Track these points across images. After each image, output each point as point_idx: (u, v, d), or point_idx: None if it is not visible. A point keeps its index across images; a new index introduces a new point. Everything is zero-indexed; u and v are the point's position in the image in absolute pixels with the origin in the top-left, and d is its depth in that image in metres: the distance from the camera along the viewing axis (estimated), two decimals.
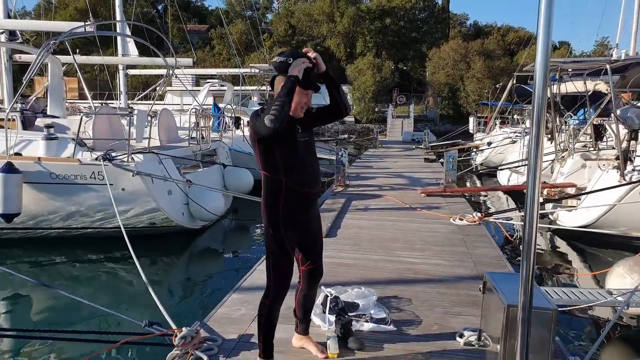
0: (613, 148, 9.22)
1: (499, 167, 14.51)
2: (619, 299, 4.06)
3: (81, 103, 17.91)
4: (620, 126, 8.21)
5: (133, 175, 7.63)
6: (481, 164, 18.16)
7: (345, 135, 28.30)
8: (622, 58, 9.05)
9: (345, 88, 43.67)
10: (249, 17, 42.69)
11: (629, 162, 8.09)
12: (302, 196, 2.99)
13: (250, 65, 19.13)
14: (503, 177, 13.70)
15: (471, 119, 25.76)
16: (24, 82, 8.71)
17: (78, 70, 10.67)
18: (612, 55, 11.80)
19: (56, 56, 10.45)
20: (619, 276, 4.99)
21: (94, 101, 11.75)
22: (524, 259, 2.57)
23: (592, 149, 10.39)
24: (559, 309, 4.24)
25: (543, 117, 2.52)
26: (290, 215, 2.98)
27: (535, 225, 2.56)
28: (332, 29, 47.33)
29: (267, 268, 3.06)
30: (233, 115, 14.78)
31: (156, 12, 47.28)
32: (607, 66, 8.55)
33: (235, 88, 17.80)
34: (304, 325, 3.44)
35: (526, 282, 2.59)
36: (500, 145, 17.00)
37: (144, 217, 8.09)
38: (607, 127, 10.11)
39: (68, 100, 15.65)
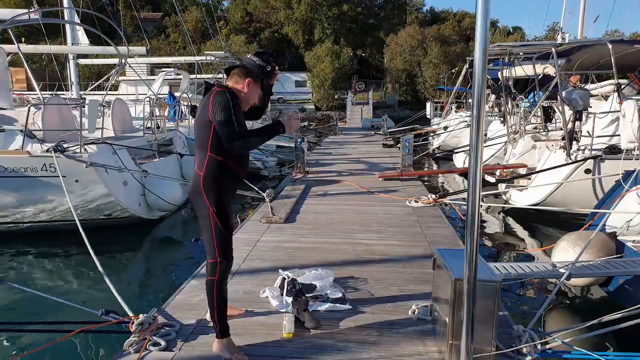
0: (561, 129, 9.61)
1: (455, 151, 14.85)
2: (561, 270, 4.28)
3: (30, 94, 17.28)
4: (566, 107, 8.55)
5: (86, 167, 7.45)
6: (438, 148, 18.54)
7: (305, 123, 28.32)
8: (567, 42, 9.40)
9: (304, 75, 43.41)
10: (205, 4, 41.87)
11: (574, 142, 8.45)
12: (239, 178, 3.25)
13: (206, 52, 18.82)
14: (459, 160, 14.04)
15: (428, 104, 26.17)
16: None
17: (24, 60, 10.28)
18: (557, 39, 12.22)
19: (0, 45, 10.05)
20: (564, 250, 5.25)
21: (42, 92, 11.38)
22: (468, 234, 2.71)
23: (542, 130, 10.78)
24: (508, 281, 4.46)
25: (484, 96, 2.64)
26: (229, 195, 3.21)
27: (477, 203, 2.70)
28: (289, 16, 46.96)
29: (211, 247, 3.14)
30: (189, 104, 14.57)
31: None
32: (553, 50, 8.88)
33: (191, 76, 17.52)
34: None
35: (470, 256, 2.73)
36: (456, 129, 17.37)
37: (100, 208, 7.93)
38: (555, 108, 10.51)
39: (15, 92, 15.08)
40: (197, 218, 3.19)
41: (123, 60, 11.21)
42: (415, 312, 3.77)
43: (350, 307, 3.92)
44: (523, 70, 11.65)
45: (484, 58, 2.54)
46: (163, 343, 3.30)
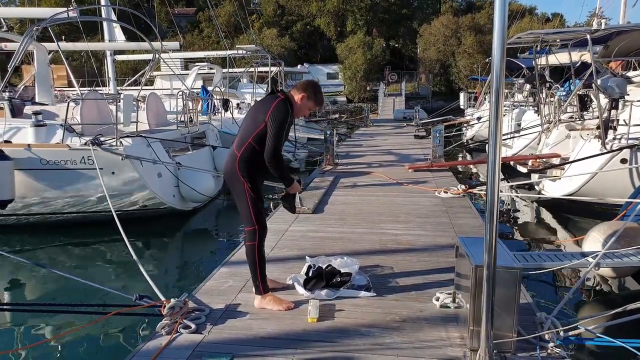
0: (597, 118, 9.37)
1: (487, 141, 14.62)
2: (589, 260, 4.23)
3: (70, 91, 17.89)
4: (602, 96, 8.32)
5: (122, 159, 7.73)
6: (471, 139, 18.29)
7: (337, 115, 28.35)
8: (602, 28, 9.11)
9: (336, 67, 42.98)
10: None
11: (610, 131, 8.22)
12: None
13: (237, 46, 19.05)
14: None
15: (462, 95, 25.79)
16: (10, 70, 8.73)
17: (63, 57, 10.69)
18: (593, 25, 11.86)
19: (41, 43, 10.46)
20: (595, 240, 5.17)
21: (81, 88, 11.80)
22: (488, 221, 2.73)
23: (577, 119, 10.52)
24: (532, 270, 4.44)
25: (502, 83, 2.65)
26: (260, 177, 3.75)
27: (496, 190, 2.72)
28: (321, 8, 46.85)
29: (248, 216, 3.67)
30: (222, 98, 14.82)
31: None
32: (588, 36, 8.63)
33: (224, 70, 17.79)
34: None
35: (490, 243, 2.75)
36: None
37: (135, 200, 8.21)
38: (592, 97, 10.23)
39: (57, 88, 15.65)
40: (230, 209, 3.41)
41: (157, 56, 11.49)
42: (439, 300, 3.80)
43: (375, 294, 3.98)
44: (556, 58, 11.36)
45: (503, 44, 2.56)
46: (193, 326, 3.44)
